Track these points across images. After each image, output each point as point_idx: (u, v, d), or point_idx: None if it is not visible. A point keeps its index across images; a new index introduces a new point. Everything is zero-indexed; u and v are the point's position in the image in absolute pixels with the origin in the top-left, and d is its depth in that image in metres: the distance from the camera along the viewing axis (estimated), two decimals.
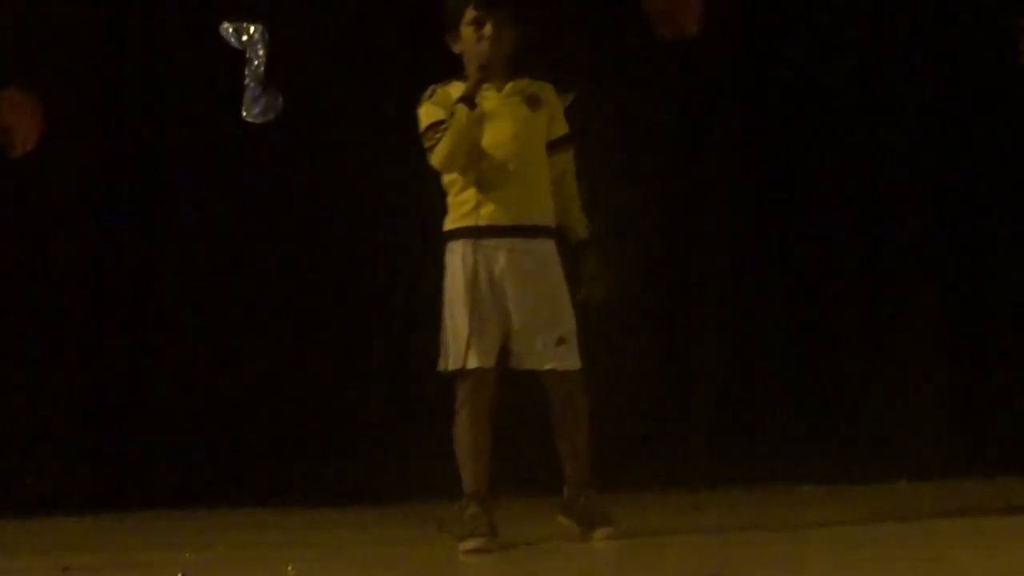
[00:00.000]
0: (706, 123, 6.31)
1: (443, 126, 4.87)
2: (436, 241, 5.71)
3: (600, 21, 6.22)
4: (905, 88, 6.25)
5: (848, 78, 6.26)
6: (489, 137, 4.90)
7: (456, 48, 4.98)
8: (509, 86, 4.98)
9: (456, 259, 4.91)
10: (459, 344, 4.86)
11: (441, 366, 4.92)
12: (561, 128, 5.06)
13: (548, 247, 4.93)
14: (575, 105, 6.04)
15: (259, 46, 6.18)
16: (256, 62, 6.18)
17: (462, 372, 4.88)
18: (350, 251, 6.32)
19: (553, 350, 4.86)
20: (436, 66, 5.56)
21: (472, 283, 4.85)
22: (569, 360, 4.89)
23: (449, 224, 4.98)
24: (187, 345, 6.30)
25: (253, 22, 6.15)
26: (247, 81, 6.19)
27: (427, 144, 4.92)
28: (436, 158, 4.90)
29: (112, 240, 6.34)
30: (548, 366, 4.87)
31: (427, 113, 4.96)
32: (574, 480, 4.95)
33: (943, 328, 6.21)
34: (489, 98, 4.94)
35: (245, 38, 6.18)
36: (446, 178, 4.99)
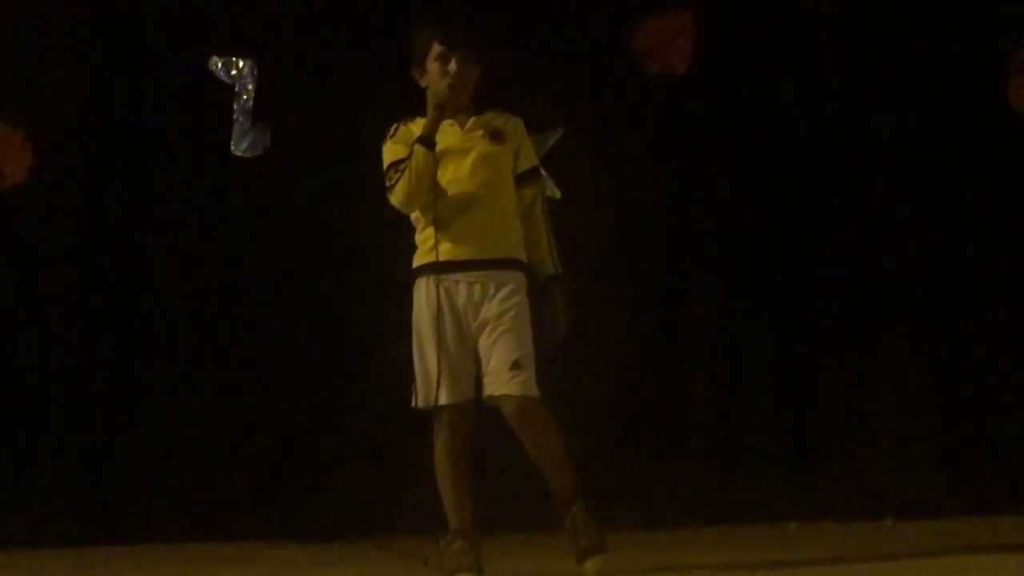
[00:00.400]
0: (691, 160, 6.29)
1: (402, 165, 4.84)
2: None
3: (587, 58, 6.20)
4: (890, 127, 6.26)
5: (833, 116, 6.27)
6: (450, 173, 4.87)
7: (422, 82, 4.95)
8: (472, 121, 4.94)
9: (421, 295, 4.90)
10: (429, 381, 4.84)
11: (413, 403, 4.89)
12: (528, 161, 5.01)
13: (510, 277, 4.87)
14: (562, 141, 6.12)
15: (248, 81, 6.22)
16: (245, 97, 6.22)
17: (435, 408, 4.86)
18: (337, 288, 6.28)
19: (507, 374, 4.77)
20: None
21: (436, 319, 4.83)
22: (524, 387, 4.78)
23: (415, 261, 4.96)
24: (174, 380, 6.25)
25: (242, 57, 6.21)
26: (236, 115, 6.22)
27: (388, 183, 4.90)
28: (395, 197, 4.89)
29: (98, 274, 6.29)
30: (502, 391, 4.78)
31: (389, 151, 4.94)
32: (559, 497, 4.91)
33: (928, 366, 6.20)
34: (451, 134, 4.91)
35: (234, 72, 6.22)
36: (412, 216, 4.97)
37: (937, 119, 6.23)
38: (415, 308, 4.90)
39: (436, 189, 4.85)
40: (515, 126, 5.00)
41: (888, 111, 6.24)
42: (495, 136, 4.94)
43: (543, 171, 5.99)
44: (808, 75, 6.24)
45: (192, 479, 6.20)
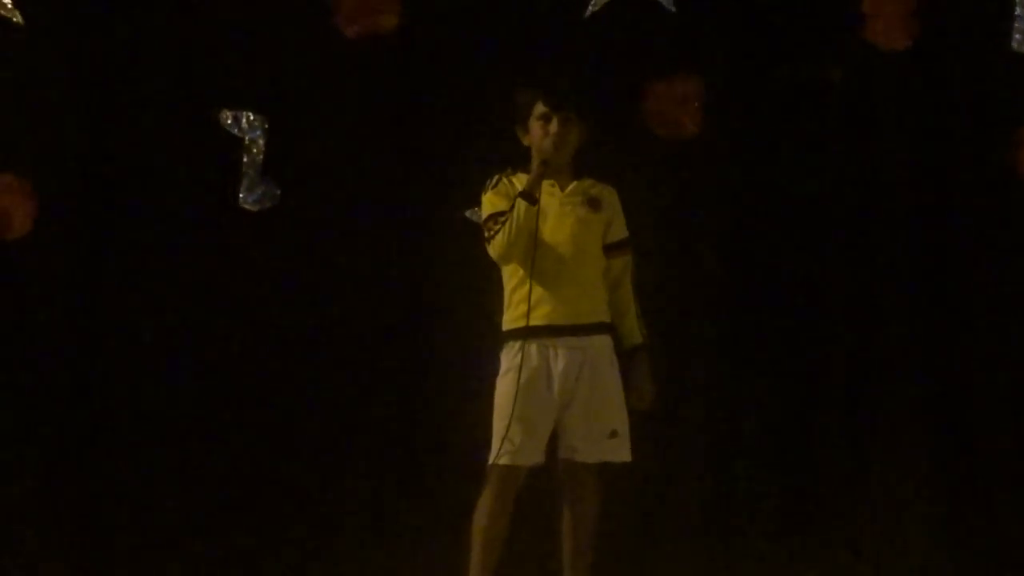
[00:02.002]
0: (696, 224, 6.31)
1: (503, 217, 4.93)
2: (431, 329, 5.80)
3: (596, 120, 6.21)
4: (896, 194, 6.27)
5: (840, 182, 6.27)
6: (548, 234, 4.97)
7: (525, 141, 5.07)
8: (573, 185, 5.08)
9: (511, 358, 4.96)
10: (506, 440, 4.89)
11: (490, 459, 4.94)
12: (620, 232, 5.13)
13: (603, 342, 5.01)
14: None
15: (258, 134, 6.24)
16: (255, 150, 6.24)
17: (497, 466, 4.93)
18: (341, 342, 6.27)
19: (604, 443, 4.95)
20: (436, 154, 5.66)
21: (524, 382, 4.89)
22: (620, 452, 5.01)
23: (506, 323, 5.03)
24: (174, 435, 6.22)
25: (252, 110, 6.23)
26: (245, 169, 6.24)
27: (487, 234, 4.99)
28: (494, 248, 4.96)
29: (97, 330, 6.25)
30: (598, 458, 4.97)
31: (489, 202, 5.03)
32: None
33: (929, 433, 6.20)
34: (552, 195, 5.02)
35: (244, 125, 6.24)
36: (505, 272, 5.05)
37: (943, 188, 6.25)
38: (504, 367, 4.97)
39: (535, 246, 4.91)
40: (610, 195, 5.14)
41: (895, 179, 6.26)
42: (593, 204, 5.07)
43: None
44: (816, 141, 6.24)
45: (190, 535, 6.15)
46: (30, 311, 6.18)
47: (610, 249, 5.08)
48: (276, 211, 6.23)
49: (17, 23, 6.13)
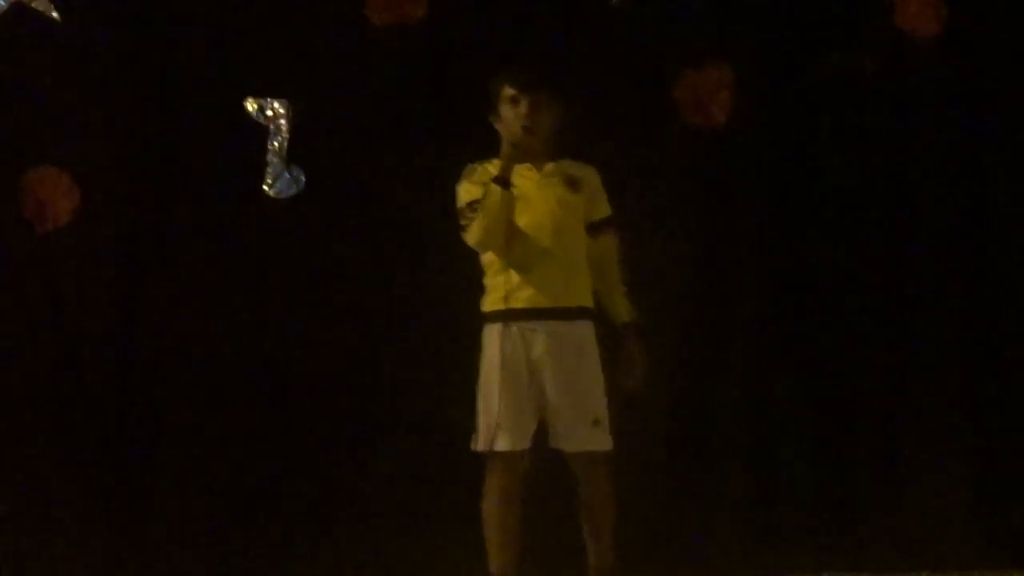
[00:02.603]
0: (728, 214, 6.29)
1: (477, 204, 4.87)
2: (455, 320, 5.78)
3: (626, 106, 6.21)
4: (930, 184, 6.25)
5: (873, 173, 6.24)
6: (526, 218, 4.90)
7: (497, 125, 5.00)
8: (550, 166, 4.99)
9: (493, 341, 4.92)
10: (490, 425, 4.85)
11: (473, 445, 4.93)
12: (602, 210, 5.06)
13: (585, 329, 4.94)
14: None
15: (283, 122, 6.21)
16: (280, 138, 6.22)
17: (492, 453, 4.88)
18: (370, 332, 6.25)
19: (588, 431, 4.87)
20: (461, 144, 5.63)
21: (507, 366, 4.85)
22: (601, 441, 4.90)
23: (485, 306, 4.98)
24: (204, 424, 6.18)
25: (278, 98, 6.20)
26: (270, 157, 6.22)
27: (462, 223, 4.94)
28: (470, 237, 4.92)
29: (132, 320, 6.20)
30: (582, 448, 4.88)
31: (465, 191, 4.97)
32: (598, 569, 4.94)
33: (965, 420, 6.17)
34: (529, 178, 4.95)
35: (269, 114, 6.21)
36: (483, 258, 4.99)
37: (979, 176, 6.22)
38: (485, 353, 4.93)
39: (511, 232, 4.85)
40: (590, 175, 5.05)
41: (929, 168, 6.23)
42: (572, 183, 4.99)
43: None
44: (848, 130, 6.21)
45: (219, 531, 6.15)
46: (68, 302, 6.18)
47: (593, 228, 5.01)
48: (300, 198, 6.21)
49: (54, 19, 6.15)
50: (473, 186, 4.94)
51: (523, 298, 4.88)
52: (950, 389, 6.19)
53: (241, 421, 6.19)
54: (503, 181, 4.85)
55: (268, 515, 6.15)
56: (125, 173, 6.22)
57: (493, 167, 4.93)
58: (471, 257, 5.74)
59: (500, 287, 4.91)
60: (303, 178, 6.23)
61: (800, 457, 6.19)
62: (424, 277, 6.15)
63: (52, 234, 6.16)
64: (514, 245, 4.88)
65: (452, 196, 5.82)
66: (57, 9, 6.14)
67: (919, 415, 6.18)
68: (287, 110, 6.21)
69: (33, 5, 6.12)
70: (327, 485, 6.19)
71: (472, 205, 4.90)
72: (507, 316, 4.89)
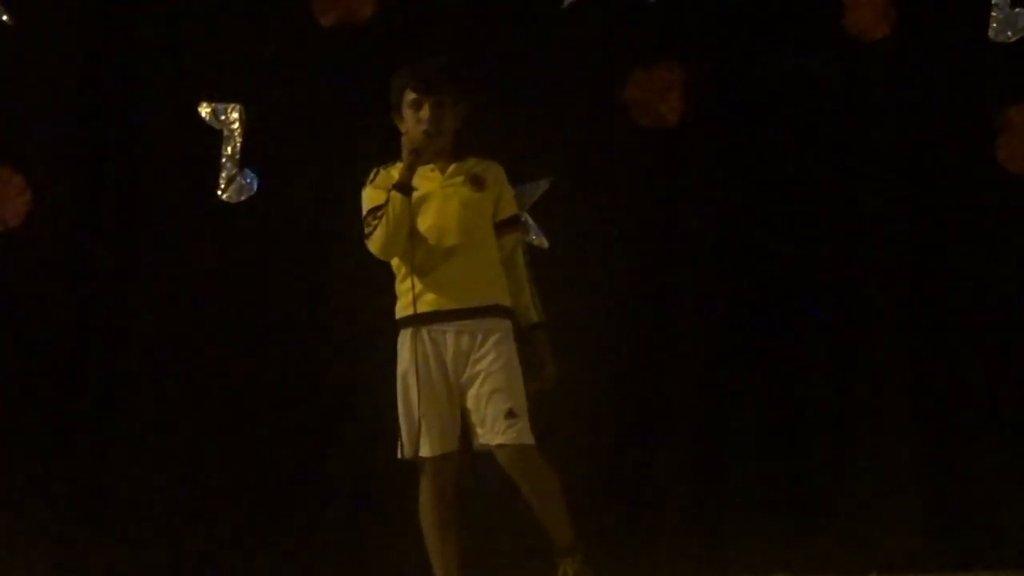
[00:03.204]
0: (679, 213, 6.28)
1: (380, 211, 4.84)
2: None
3: (577, 108, 6.22)
4: (880, 181, 6.23)
5: (824, 173, 6.24)
6: (430, 220, 4.87)
7: (401, 128, 4.97)
8: (453, 167, 4.96)
9: (404, 347, 4.91)
10: (412, 432, 4.85)
11: (399, 454, 4.92)
12: (508, 209, 5.02)
13: (496, 324, 4.89)
14: (552, 192, 6.13)
15: (236, 126, 6.23)
16: (233, 142, 6.23)
17: (419, 459, 4.87)
18: (320, 334, 6.26)
19: (503, 423, 4.81)
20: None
21: (420, 370, 4.83)
22: (520, 435, 4.82)
23: (397, 313, 4.97)
24: (159, 424, 6.22)
25: (231, 102, 6.21)
26: (224, 161, 6.23)
27: (366, 230, 4.90)
28: (373, 244, 4.89)
29: (86, 318, 6.27)
30: (497, 441, 4.82)
31: (368, 197, 4.95)
32: (557, 546, 4.91)
33: (914, 424, 6.15)
34: (431, 179, 4.92)
35: (223, 118, 6.22)
36: (392, 264, 4.97)
37: (929, 177, 6.20)
38: (399, 359, 4.91)
39: (415, 236, 4.84)
40: (496, 173, 5.01)
41: (879, 169, 6.22)
42: (476, 182, 4.94)
43: (530, 220, 6.05)
44: (798, 131, 6.22)
45: (174, 527, 6.16)
46: (21, 303, 6.23)
47: (499, 227, 4.97)
48: (255, 202, 6.22)
49: (5, 22, 6.21)
50: (376, 191, 4.91)
51: (428, 302, 4.85)
52: (902, 388, 6.16)
53: (193, 425, 6.23)
54: (404, 187, 4.82)
55: (223, 516, 6.19)
56: (79, 176, 6.29)
57: (396, 170, 4.90)
58: None
59: (407, 292, 4.88)
60: (256, 182, 6.24)
61: (750, 456, 6.17)
62: (377, 280, 6.14)
63: (5, 236, 6.20)
64: (418, 250, 4.85)
65: None
66: (10, 11, 6.19)
67: (870, 414, 6.16)
68: (240, 114, 6.23)
69: None
70: (281, 488, 6.21)
71: (375, 211, 4.86)
72: (416, 321, 4.87)
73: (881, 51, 6.19)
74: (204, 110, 6.23)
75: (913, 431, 6.15)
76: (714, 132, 6.25)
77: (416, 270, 4.85)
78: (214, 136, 6.24)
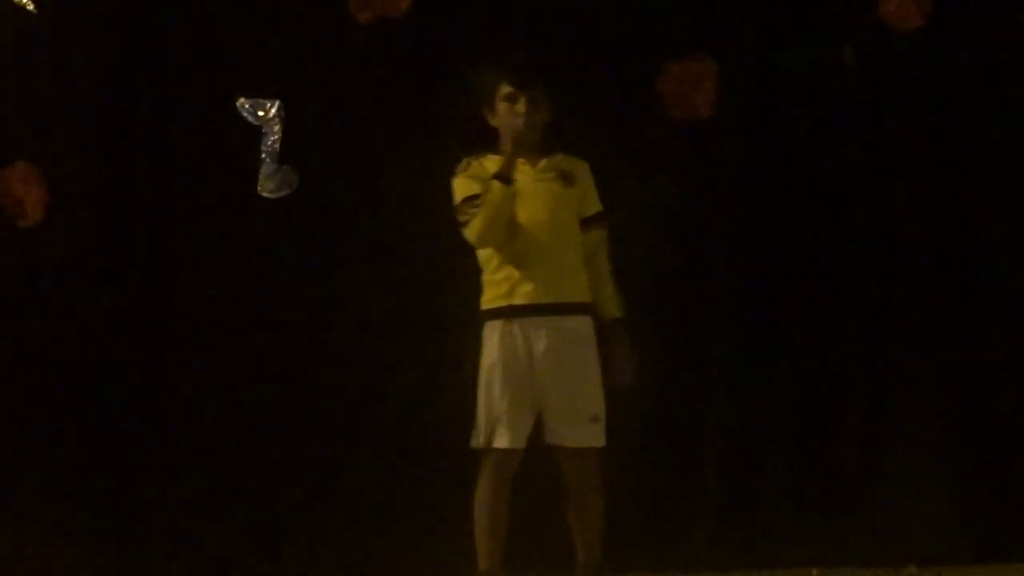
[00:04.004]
0: (712, 206, 6.30)
1: (477, 200, 4.89)
2: (446, 318, 5.80)
3: (611, 100, 6.24)
4: (913, 174, 6.24)
5: (857, 166, 6.25)
6: (524, 214, 4.93)
7: (492, 122, 5.02)
8: (544, 162, 5.02)
9: (494, 338, 4.93)
10: (491, 422, 4.89)
11: (473, 442, 4.95)
12: (594, 205, 5.09)
13: (584, 323, 4.96)
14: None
15: (275, 122, 6.27)
16: (272, 138, 6.27)
17: (487, 450, 4.91)
18: (360, 330, 6.28)
19: (585, 428, 4.90)
20: (451, 138, 5.68)
21: (508, 363, 4.88)
22: (597, 438, 4.93)
23: (486, 303, 5.00)
24: (192, 422, 6.22)
25: (270, 98, 6.25)
26: (263, 156, 6.27)
27: (462, 218, 4.95)
28: (472, 233, 4.93)
29: (117, 315, 6.24)
30: (578, 444, 4.90)
31: (462, 186, 4.99)
32: (585, 566, 4.96)
33: (949, 414, 6.16)
34: (524, 173, 4.97)
35: (261, 113, 6.26)
36: (481, 255, 5.01)
37: (963, 170, 6.21)
38: (485, 350, 4.95)
39: (513, 227, 4.88)
40: (583, 169, 5.09)
41: (912, 162, 6.22)
42: (565, 178, 5.02)
43: None
44: (831, 123, 6.23)
45: (206, 525, 6.17)
46: (42, 299, 6.22)
47: (585, 223, 5.04)
48: (293, 198, 6.25)
49: (30, 11, 6.18)
50: (469, 181, 4.96)
51: (524, 294, 4.89)
52: (934, 382, 6.17)
53: (229, 420, 6.23)
54: (505, 178, 4.88)
55: (259, 513, 6.19)
56: (105, 171, 6.26)
57: (488, 162, 4.97)
58: (465, 254, 5.80)
59: (501, 283, 4.93)
60: (296, 177, 6.27)
61: (784, 449, 6.18)
62: (417, 274, 6.18)
63: (27, 231, 6.20)
64: (514, 241, 4.90)
65: (443, 191, 5.88)
66: (42, 4, 6.18)
67: (902, 409, 6.17)
68: (279, 110, 6.26)
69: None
70: (319, 483, 6.23)
71: (470, 200, 4.91)
72: (508, 313, 4.91)
73: (915, 42, 6.19)
74: (242, 105, 6.26)
75: (948, 422, 6.16)
76: (747, 124, 6.26)
77: (511, 262, 4.90)
78: (251, 131, 6.27)
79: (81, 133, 6.25)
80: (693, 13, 6.25)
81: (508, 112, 4.95)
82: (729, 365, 6.22)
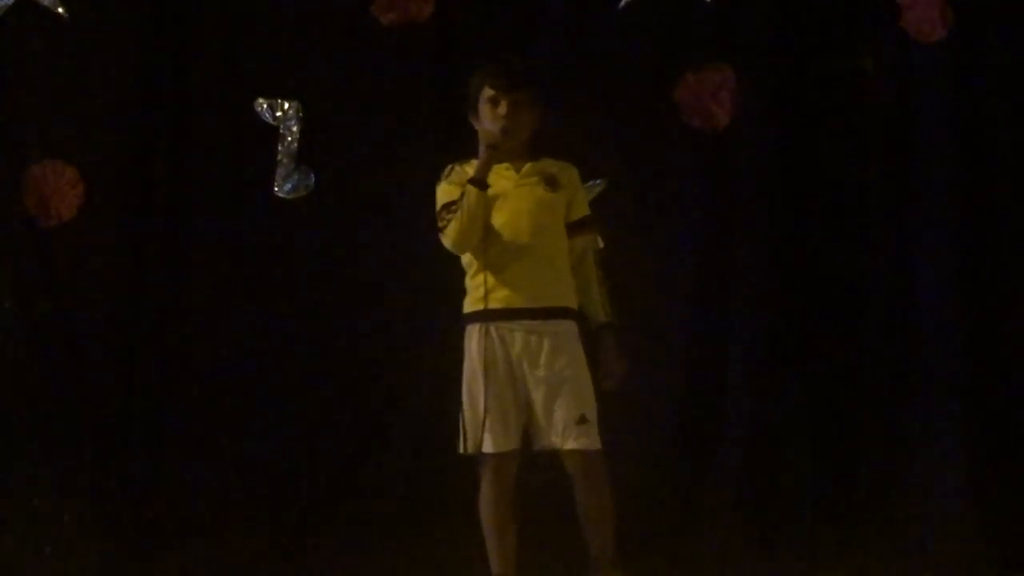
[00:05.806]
0: (731, 215, 6.28)
1: (455, 206, 4.88)
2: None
3: (629, 109, 6.23)
4: (933, 183, 6.20)
5: (877, 175, 6.21)
6: (505, 218, 4.91)
7: (476, 125, 5.02)
8: (528, 166, 5.00)
9: (472, 343, 4.93)
10: (476, 428, 4.87)
11: (460, 449, 4.94)
12: (580, 210, 5.07)
13: (566, 327, 4.93)
14: (605, 193, 6.14)
15: (293, 123, 6.28)
16: (289, 138, 6.28)
17: (481, 455, 4.89)
18: (377, 331, 6.28)
19: (574, 429, 4.85)
20: (470, 142, 5.66)
21: (488, 366, 4.86)
22: (589, 440, 4.87)
23: (466, 307, 5.00)
24: (210, 422, 6.23)
25: (287, 99, 6.27)
26: (280, 157, 6.28)
27: (440, 224, 4.95)
28: (447, 238, 4.93)
29: (137, 316, 6.29)
30: (569, 446, 4.86)
31: (443, 192, 4.99)
32: (599, 563, 4.92)
33: (968, 426, 6.09)
34: (507, 178, 4.96)
35: (279, 114, 6.28)
36: (464, 259, 5.01)
37: (984, 180, 6.16)
38: (466, 355, 4.94)
39: (489, 232, 4.88)
40: (570, 174, 5.06)
41: (933, 171, 6.19)
42: (550, 183, 4.99)
43: None
44: (851, 133, 6.20)
45: (225, 526, 6.17)
46: (73, 297, 6.27)
47: (571, 228, 5.01)
48: (311, 199, 6.26)
49: (62, 16, 6.25)
50: (451, 187, 4.96)
51: (500, 298, 4.88)
52: (956, 390, 6.11)
53: (244, 421, 6.25)
54: (479, 182, 4.87)
55: (272, 517, 6.20)
56: (133, 170, 6.32)
57: (471, 167, 4.95)
58: None
59: (479, 288, 4.92)
60: (313, 178, 6.28)
61: (802, 463, 6.14)
62: (436, 275, 6.16)
63: (56, 229, 6.25)
64: (491, 246, 4.89)
65: None
66: (65, 4, 6.24)
67: (921, 418, 6.12)
68: (297, 111, 6.27)
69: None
70: (328, 485, 6.23)
71: (449, 207, 4.91)
72: (486, 316, 4.90)
73: (938, 53, 6.16)
74: (261, 105, 6.28)
75: (968, 435, 6.09)
76: (765, 133, 6.24)
77: (488, 266, 4.89)
78: (270, 132, 6.28)
79: (102, 133, 6.31)
80: (711, 22, 6.23)
81: (489, 115, 4.94)
82: (747, 373, 6.18)
